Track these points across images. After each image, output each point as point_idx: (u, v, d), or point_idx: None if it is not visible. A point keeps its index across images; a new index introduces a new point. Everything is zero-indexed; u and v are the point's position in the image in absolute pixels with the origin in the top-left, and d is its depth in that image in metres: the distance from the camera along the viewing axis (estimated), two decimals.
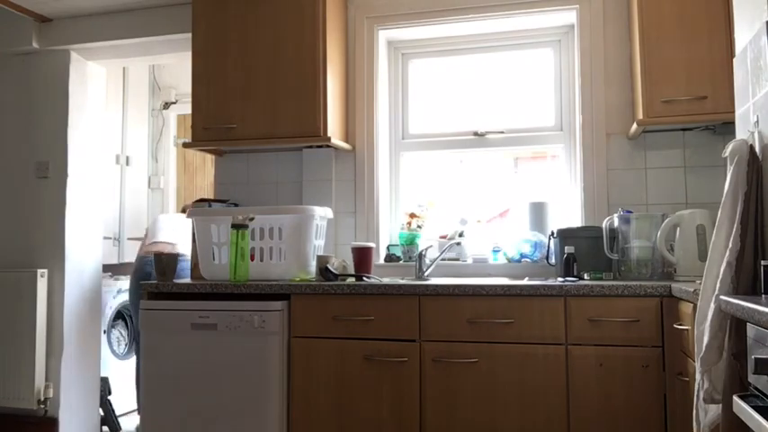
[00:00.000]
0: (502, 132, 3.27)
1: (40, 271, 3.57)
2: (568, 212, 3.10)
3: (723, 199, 1.78)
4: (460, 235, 3.17)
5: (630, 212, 2.75)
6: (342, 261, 2.91)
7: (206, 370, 2.60)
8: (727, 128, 2.56)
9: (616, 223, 2.72)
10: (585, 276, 2.63)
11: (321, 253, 2.92)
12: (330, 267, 2.71)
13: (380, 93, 3.32)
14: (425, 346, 2.46)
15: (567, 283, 2.37)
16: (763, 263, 1.60)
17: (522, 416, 2.35)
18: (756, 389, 1.31)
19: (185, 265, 3.61)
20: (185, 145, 3.23)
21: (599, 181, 2.97)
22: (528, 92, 3.30)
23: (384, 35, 3.36)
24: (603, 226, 2.72)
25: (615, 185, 2.96)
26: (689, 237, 2.52)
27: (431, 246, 3.06)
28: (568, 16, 3.11)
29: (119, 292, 4.34)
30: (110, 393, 3.99)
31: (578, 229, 2.80)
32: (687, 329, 2.02)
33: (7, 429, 3.63)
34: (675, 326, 2.16)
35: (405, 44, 3.43)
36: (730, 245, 1.70)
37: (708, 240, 2.38)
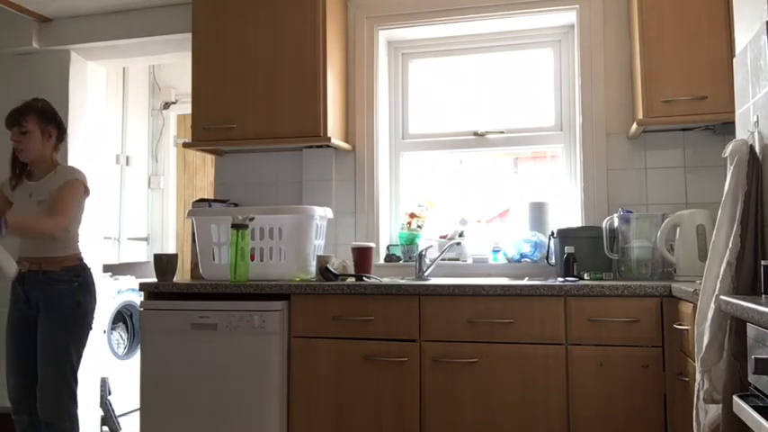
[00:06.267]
0: (502, 132, 3.26)
1: None
2: (568, 212, 3.10)
3: (723, 199, 1.78)
4: (460, 235, 3.16)
5: (630, 212, 2.74)
6: (342, 261, 2.91)
7: (206, 370, 2.60)
8: (727, 128, 2.56)
9: (616, 223, 2.72)
10: (585, 276, 2.63)
11: (321, 253, 2.92)
12: (330, 267, 2.71)
13: (380, 93, 3.32)
14: (425, 345, 2.46)
15: (566, 283, 2.36)
16: (763, 263, 1.60)
17: (522, 416, 2.35)
18: (756, 389, 1.31)
19: None
20: (185, 145, 3.23)
21: (599, 181, 2.97)
22: (528, 92, 3.30)
23: (384, 35, 3.35)
24: (603, 226, 2.72)
25: (615, 185, 2.95)
26: (689, 237, 2.52)
27: (431, 246, 3.06)
28: (568, 16, 3.11)
29: (119, 293, 4.33)
30: (110, 393, 3.99)
31: (578, 229, 2.80)
32: (687, 329, 2.02)
33: (7, 429, 3.62)
34: (675, 326, 2.16)
35: (405, 44, 3.43)
36: (730, 245, 1.70)
37: (708, 240, 2.37)
